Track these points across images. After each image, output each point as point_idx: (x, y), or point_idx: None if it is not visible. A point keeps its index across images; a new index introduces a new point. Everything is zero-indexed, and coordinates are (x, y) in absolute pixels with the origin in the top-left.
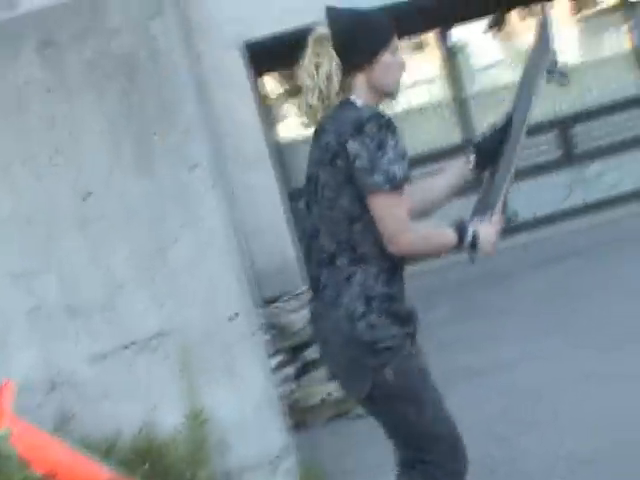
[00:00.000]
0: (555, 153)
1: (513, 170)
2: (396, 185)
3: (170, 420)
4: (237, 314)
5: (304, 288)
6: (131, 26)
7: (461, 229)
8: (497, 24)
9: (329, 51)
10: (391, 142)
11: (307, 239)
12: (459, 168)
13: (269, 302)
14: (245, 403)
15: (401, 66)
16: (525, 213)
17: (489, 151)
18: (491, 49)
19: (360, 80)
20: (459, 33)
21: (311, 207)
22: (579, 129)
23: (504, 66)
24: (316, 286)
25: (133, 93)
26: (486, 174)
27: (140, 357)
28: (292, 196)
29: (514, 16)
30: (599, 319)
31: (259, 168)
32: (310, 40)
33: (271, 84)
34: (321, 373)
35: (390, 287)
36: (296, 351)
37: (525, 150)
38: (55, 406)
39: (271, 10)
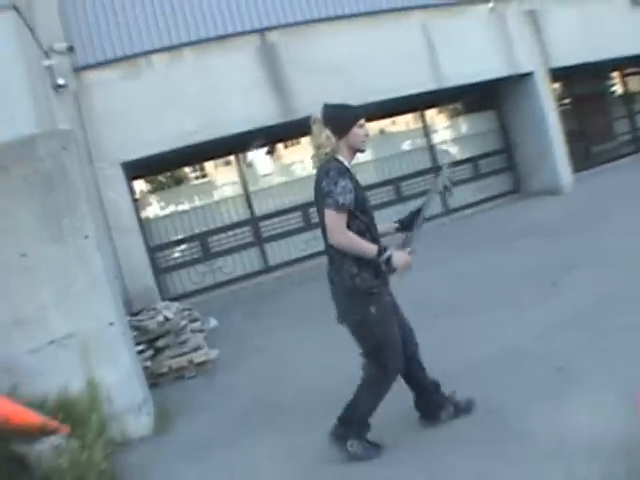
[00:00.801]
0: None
1: (417, 233)
2: (339, 207)
3: (78, 386)
4: (113, 322)
5: (157, 305)
6: (51, 155)
7: (383, 249)
8: (270, 152)
9: (321, 128)
10: (341, 182)
11: (322, 232)
12: (390, 227)
13: (134, 314)
14: (121, 373)
15: (365, 134)
16: (278, 258)
17: (406, 224)
18: (266, 164)
19: (342, 143)
20: (250, 156)
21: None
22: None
23: (275, 175)
24: (330, 259)
25: (51, 195)
26: (406, 233)
27: (59, 349)
28: (152, 249)
29: (280, 147)
30: (322, 318)
31: (132, 234)
32: (312, 122)
33: (140, 184)
34: (166, 355)
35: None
36: (151, 342)
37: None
38: (8, 380)
39: (136, 145)
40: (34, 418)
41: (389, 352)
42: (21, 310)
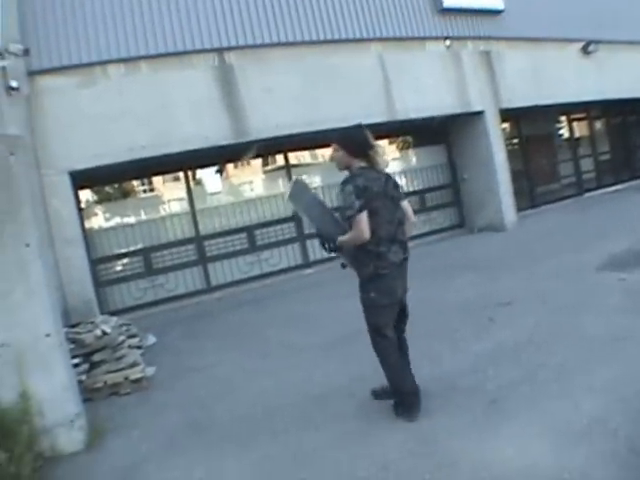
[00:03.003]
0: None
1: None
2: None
3: (10, 396)
4: (50, 334)
5: (95, 319)
6: None
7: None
8: (220, 171)
9: (337, 149)
10: (354, 191)
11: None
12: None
13: (72, 326)
14: (56, 386)
15: (382, 152)
16: (220, 279)
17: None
18: (215, 183)
19: (357, 160)
20: (200, 173)
21: None
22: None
23: (223, 194)
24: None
25: None
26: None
27: None
28: (94, 262)
29: (230, 167)
30: (260, 341)
31: (75, 245)
32: (333, 145)
33: (86, 195)
34: (102, 369)
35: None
36: (87, 356)
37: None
38: None
39: (86, 154)
40: None
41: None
42: None
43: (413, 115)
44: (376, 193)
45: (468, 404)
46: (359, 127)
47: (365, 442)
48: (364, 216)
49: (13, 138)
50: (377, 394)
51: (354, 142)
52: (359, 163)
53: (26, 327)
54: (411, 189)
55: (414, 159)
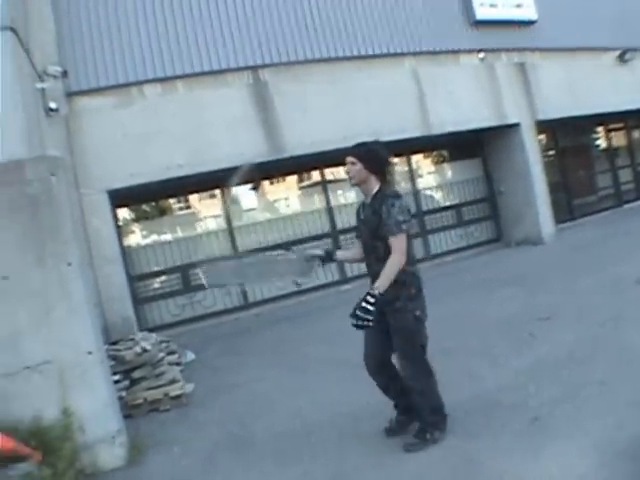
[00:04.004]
0: None
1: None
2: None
3: (52, 413)
4: (92, 351)
5: (135, 336)
6: (39, 180)
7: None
8: (255, 188)
9: (355, 162)
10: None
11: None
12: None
13: (112, 343)
14: (97, 403)
15: (346, 171)
16: (257, 295)
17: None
18: (251, 200)
19: (374, 177)
20: (236, 190)
21: None
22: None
23: (259, 211)
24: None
25: (37, 219)
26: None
27: (34, 375)
28: (132, 279)
29: (266, 184)
30: (297, 357)
31: (114, 263)
32: (349, 158)
33: (124, 213)
34: (142, 386)
35: None
36: (127, 372)
37: None
38: None
39: (123, 174)
40: (7, 443)
41: None
42: None
43: (448, 129)
44: None
45: (510, 422)
46: (377, 143)
47: (406, 461)
48: (405, 237)
49: (54, 159)
50: (392, 430)
51: (377, 158)
52: (376, 180)
53: (68, 345)
54: (447, 203)
55: (450, 173)
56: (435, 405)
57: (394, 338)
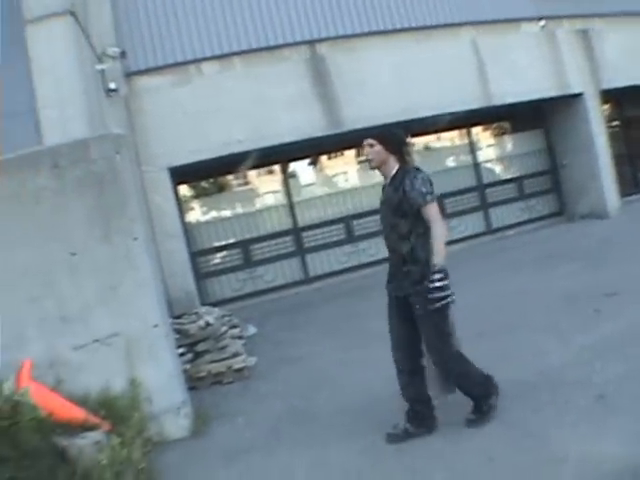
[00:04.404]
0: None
1: None
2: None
3: (120, 384)
4: (158, 324)
5: (197, 310)
6: (104, 158)
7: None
8: (313, 163)
9: (374, 144)
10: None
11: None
12: None
13: (176, 317)
14: (163, 375)
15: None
16: (318, 269)
17: None
18: (310, 175)
19: (393, 157)
20: (294, 166)
21: None
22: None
23: (318, 186)
24: None
25: (103, 196)
26: None
27: (103, 348)
28: (194, 255)
29: (324, 159)
30: (359, 332)
31: (176, 239)
32: (367, 141)
33: (184, 190)
34: (205, 359)
35: None
36: (191, 346)
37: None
38: (54, 374)
39: (182, 151)
40: (77, 413)
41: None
42: (68, 307)
43: (509, 100)
44: None
45: (574, 398)
46: (393, 127)
47: (471, 435)
48: (436, 205)
49: (117, 137)
50: (395, 437)
51: (394, 138)
52: (395, 161)
53: (135, 318)
54: (508, 176)
55: (510, 145)
56: (477, 380)
57: (418, 323)
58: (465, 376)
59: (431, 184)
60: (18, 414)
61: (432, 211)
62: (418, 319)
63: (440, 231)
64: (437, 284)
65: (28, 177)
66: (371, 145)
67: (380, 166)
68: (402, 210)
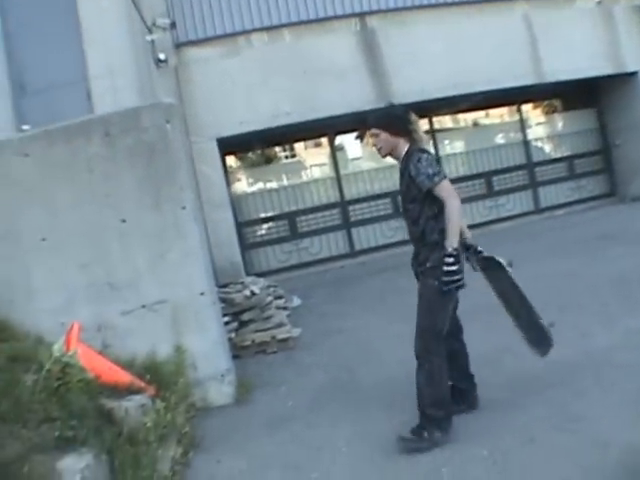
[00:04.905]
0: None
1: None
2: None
3: (165, 350)
4: (204, 292)
5: (243, 280)
6: (155, 127)
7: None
8: (360, 137)
9: (377, 133)
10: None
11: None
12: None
13: (222, 286)
14: (207, 342)
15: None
16: (364, 243)
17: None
18: (357, 149)
19: (402, 140)
20: (341, 139)
21: None
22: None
23: (366, 160)
24: None
25: (153, 165)
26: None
27: (150, 314)
28: (240, 225)
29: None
30: (403, 307)
31: (222, 209)
32: (370, 131)
33: (231, 161)
34: (250, 328)
35: None
36: (236, 315)
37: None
38: (101, 338)
39: (231, 122)
40: (123, 376)
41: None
42: (116, 274)
43: (562, 77)
44: None
45: (620, 381)
46: (393, 106)
47: (512, 414)
48: (447, 183)
49: (168, 106)
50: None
51: (394, 117)
52: (404, 142)
53: (182, 285)
54: (558, 155)
55: (562, 124)
56: (439, 397)
57: (418, 303)
58: (430, 383)
59: (438, 163)
60: (66, 375)
61: (444, 190)
62: (418, 298)
63: (454, 210)
64: (446, 268)
65: (80, 145)
66: (376, 135)
67: (391, 153)
68: (411, 195)
